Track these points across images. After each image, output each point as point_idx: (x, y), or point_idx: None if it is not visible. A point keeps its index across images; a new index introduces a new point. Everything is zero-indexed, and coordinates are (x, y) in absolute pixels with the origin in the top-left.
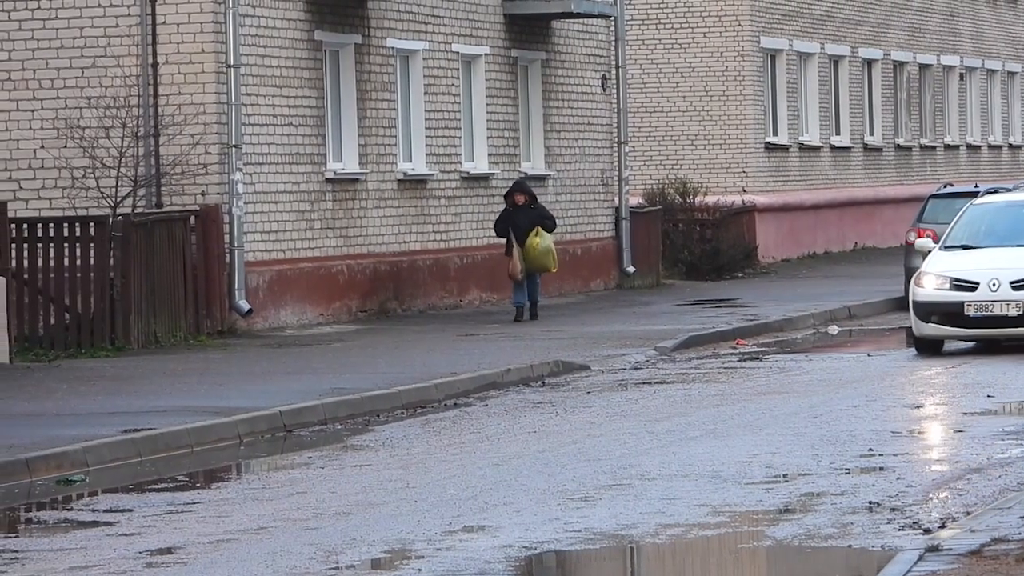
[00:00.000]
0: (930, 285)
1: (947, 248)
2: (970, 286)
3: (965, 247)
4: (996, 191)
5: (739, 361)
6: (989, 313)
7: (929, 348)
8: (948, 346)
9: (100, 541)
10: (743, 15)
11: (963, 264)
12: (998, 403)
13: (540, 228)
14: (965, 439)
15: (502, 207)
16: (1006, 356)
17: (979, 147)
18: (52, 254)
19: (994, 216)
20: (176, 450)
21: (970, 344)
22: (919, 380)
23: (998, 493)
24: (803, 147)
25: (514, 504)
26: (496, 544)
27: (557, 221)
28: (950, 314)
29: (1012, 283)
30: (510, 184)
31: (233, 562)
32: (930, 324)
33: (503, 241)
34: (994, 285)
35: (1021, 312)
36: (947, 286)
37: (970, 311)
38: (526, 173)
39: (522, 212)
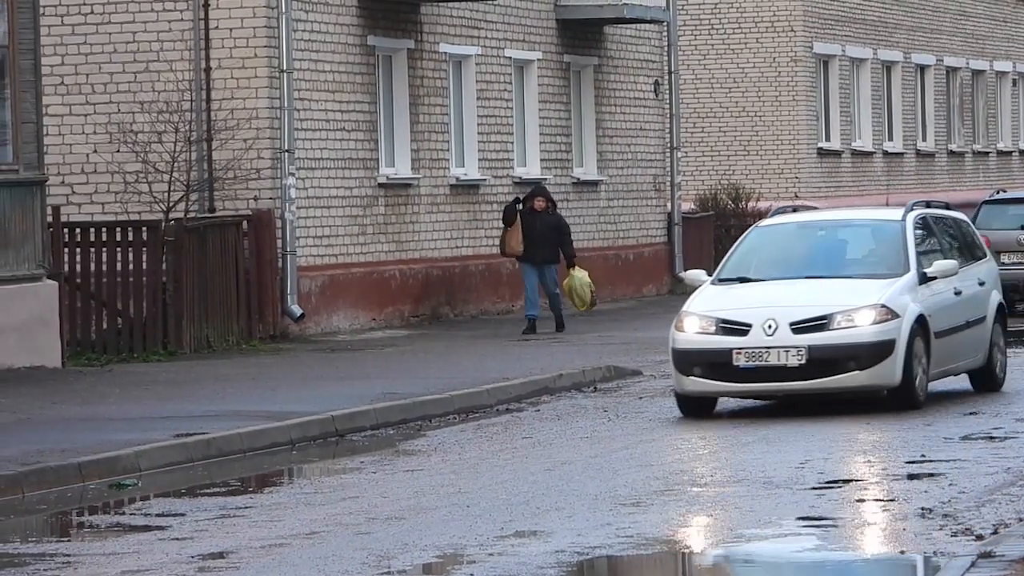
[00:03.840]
0: (692, 328)
1: (721, 281)
2: (740, 329)
3: (742, 280)
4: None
5: None
6: (764, 363)
7: (695, 408)
8: (727, 403)
9: (152, 545)
10: (796, 20)
11: (734, 301)
12: None
13: (577, 267)
14: (1017, 446)
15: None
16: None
17: None
18: (105, 259)
19: (781, 242)
20: (228, 455)
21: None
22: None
23: None
24: (855, 153)
25: (566, 509)
26: (548, 549)
27: (612, 224)
28: (716, 365)
29: (793, 325)
30: (532, 188)
31: (285, 567)
32: (692, 378)
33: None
34: (770, 327)
35: (804, 361)
36: (713, 329)
37: (740, 360)
38: (547, 179)
39: (539, 217)
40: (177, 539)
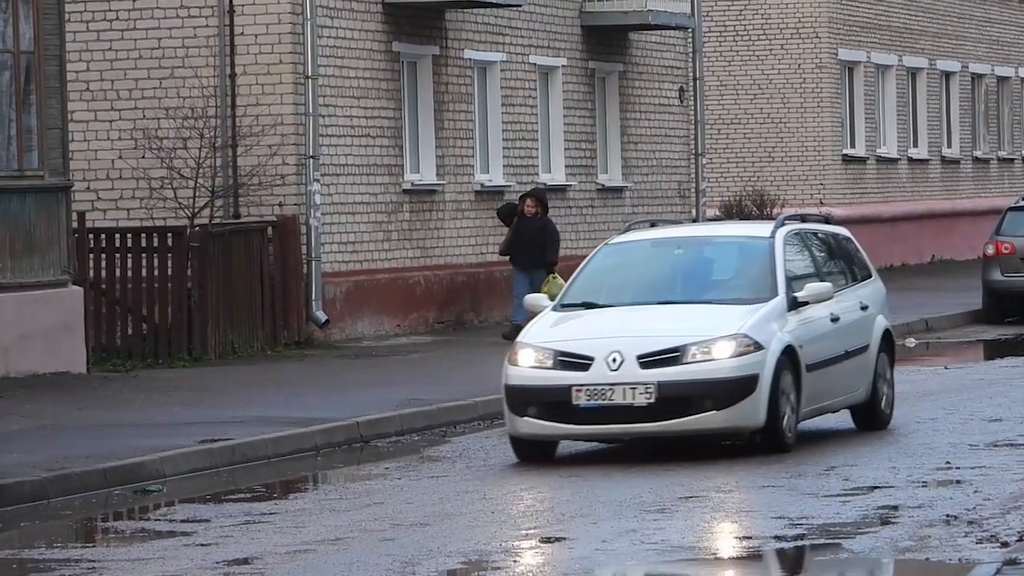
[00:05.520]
0: (527, 362)
1: (564, 307)
2: (581, 363)
3: (588, 305)
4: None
5: None
6: (607, 402)
7: (532, 452)
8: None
9: (177, 551)
10: (821, 27)
11: (575, 331)
12: None
13: (557, 275)
14: None
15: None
16: None
17: None
18: (130, 264)
19: (634, 261)
20: (253, 460)
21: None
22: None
23: None
24: (880, 159)
25: (590, 516)
26: (572, 556)
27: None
28: (554, 404)
29: (641, 358)
30: (527, 190)
31: (310, 572)
32: (526, 418)
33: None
34: (615, 361)
35: (653, 400)
36: (550, 363)
37: (580, 399)
38: (544, 184)
39: (527, 221)
40: (202, 545)
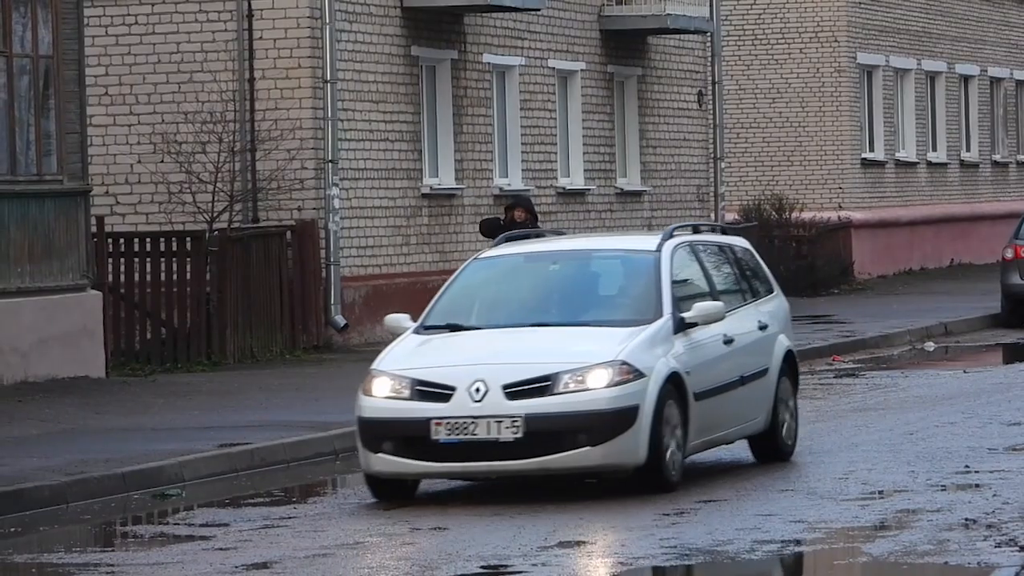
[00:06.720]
0: (382, 392)
1: (426, 329)
2: (441, 393)
3: (453, 328)
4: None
5: (835, 377)
6: (470, 437)
7: (389, 490)
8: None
9: (196, 555)
10: (840, 31)
11: (436, 357)
12: None
13: None
14: None
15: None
16: None
17: None
18: (149, 269)
19: (505, 278)
20: (272, 465)
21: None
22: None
23: None
24: (899, 163)
25: (610, 519)
26: (592, 559)
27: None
28: (411, 439)
29: (507, 388)
30: (513, 198)
31: None
32: (381, 455)
33: None
34: (478, 391)
35: (520, 435)
36: (407, 393)
37: (440, 433)
38: (531, 190)
39: (518, 228)
40: (221, 549)
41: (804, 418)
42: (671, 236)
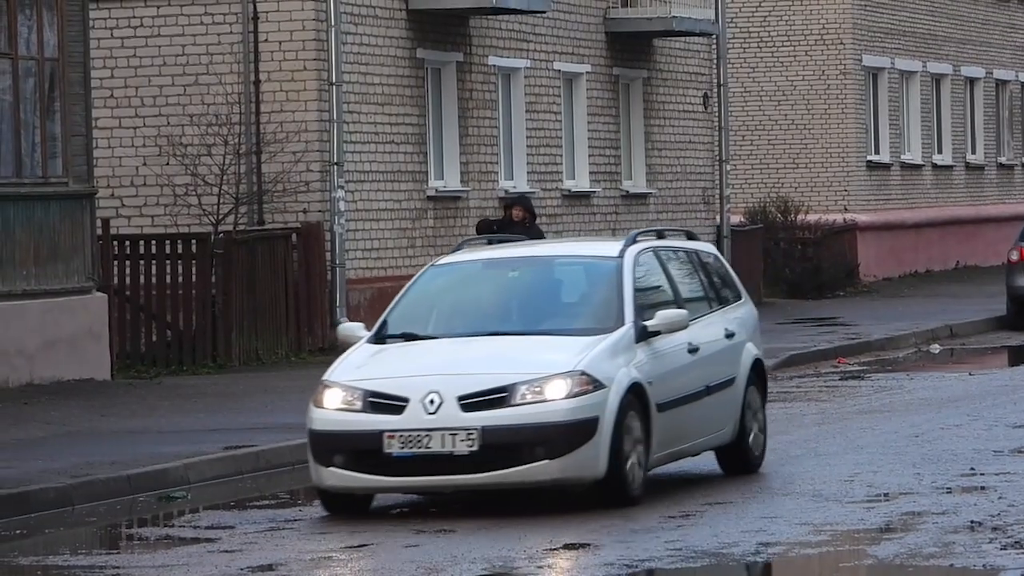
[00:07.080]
0: (333, 403)
1: (381, 339)
2: (394, 405)
3: (408, 337)
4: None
5: (840, 380)
6: (424, 450)
7: (342, 505)
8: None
9: (201, 558)
10: (845, 33)
11: (390, 367)
12: None
13: None
14: None
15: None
16: None
17: None
18: (154, 271)
19: (463, 285)
20: (277, 467)
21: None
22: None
23: None
24: (905, 165)
25: (615, 522)
26: (597, 562)
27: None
28: (363, 452)
29: (462, 399)
30: (512, 197)
31: None
32: (332, 469)
33: None
34: (432, 403)
35: (476, 448)
36: (359, 405)
37: (393, 447)
38: (534, 191)
39: (516, 228)
40: (226, 552)
41: (809, 420)
42: (634, 242)
